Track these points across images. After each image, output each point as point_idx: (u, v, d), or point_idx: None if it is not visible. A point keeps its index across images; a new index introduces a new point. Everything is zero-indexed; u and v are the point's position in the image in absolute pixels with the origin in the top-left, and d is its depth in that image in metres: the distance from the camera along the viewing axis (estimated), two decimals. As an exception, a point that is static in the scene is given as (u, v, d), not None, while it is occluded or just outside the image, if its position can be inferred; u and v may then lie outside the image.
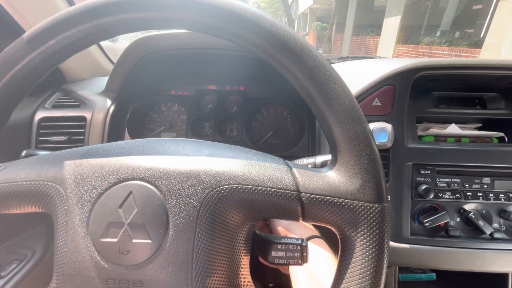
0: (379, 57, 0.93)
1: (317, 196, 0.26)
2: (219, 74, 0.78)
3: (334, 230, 0.27)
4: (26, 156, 0.44)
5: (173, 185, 0.27)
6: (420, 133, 0.63)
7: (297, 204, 0.26)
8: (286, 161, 0.31)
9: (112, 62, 0.97)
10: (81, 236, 0.26)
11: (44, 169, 0.29)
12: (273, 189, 0.26)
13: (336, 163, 0.27)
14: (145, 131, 0.82)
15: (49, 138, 0.66)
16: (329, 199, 0.26)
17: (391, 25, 6.83)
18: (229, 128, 0.80)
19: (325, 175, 0.27)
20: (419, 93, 0.62)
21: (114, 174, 0.28)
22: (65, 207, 0.27)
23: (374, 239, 0.25)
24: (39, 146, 0.66)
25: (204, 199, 0.26)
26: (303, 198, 0.26)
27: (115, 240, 0.25)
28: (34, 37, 0.27)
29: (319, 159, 0.44)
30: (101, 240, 0.25)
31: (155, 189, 0.27)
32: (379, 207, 0.26)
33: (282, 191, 0.26)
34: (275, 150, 0.78)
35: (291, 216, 0.27)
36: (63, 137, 0.66)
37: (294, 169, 0.28)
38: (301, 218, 0.27)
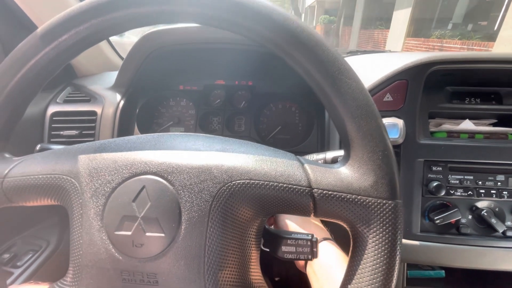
0: (390, 51, 0.91)
1: (330, 192, 0.26)
2: (227, 68, 0.78)
3: (345, 226, 0.27)
4: (41, 150, 0.45)
5: (185, 180, 0.27)
6: (432, 129, 0.62)
7: (309, 200, 0.26)
8: (298, 156, 0.31)
9: (121, 57, 0.97)
10: (96, 228, 0.27)
11: (60, 163, 0.30)
12: (285, 185, 0.26)
13: (349, 159, 0.27)
14: (154, 126, 0.82)
15: (61, 133, 0.67)
16: (342, 195, 0.26)
17: (401, 17, 6.66)
18: (237, 123, 0.80)
19: (338, 171, 0.27)
20: (432, 88, 0.61)
21: (127, 168, 0.28)
22: (80, 201, 0.28)
23: (386, 235, 0.25)
24: (51, 140, 0.67)
25: (216, 194, 0.26)
26: (315, 194, 0.26)
27: (129, 233, 0.26)
28: (48, 32, 0.27)
29: (330, 155, 0.44)
30: (115, 233, 0.26)
31: (167, 184, 0.27)
32: (393, 204, 0.25)
33: (294, 186, 0.26)
34: (283, 145, 0.78)
35: (302, 211, 0.27)
36: (74, 131, 0.67)
37: (306, 165, 0.28)
38: (312, 213, 0.27)
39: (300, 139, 0.77)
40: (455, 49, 5.10)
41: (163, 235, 0.26)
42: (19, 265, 0.62)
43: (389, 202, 0.25)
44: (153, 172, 0.27)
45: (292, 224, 0.43)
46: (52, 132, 0.67)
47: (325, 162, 0.43)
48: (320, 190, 0.26)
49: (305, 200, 0.26)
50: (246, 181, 0.26)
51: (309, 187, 0.26)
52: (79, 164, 0.29)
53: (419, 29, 6.58)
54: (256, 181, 0.26)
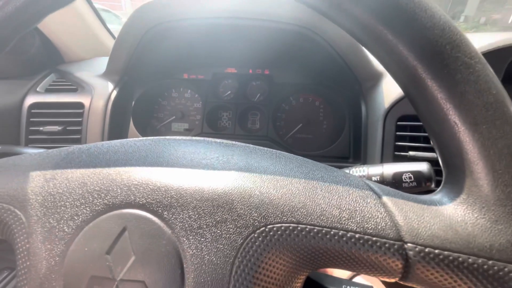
0: None
1: (436, 251, 0.16)
2: (240, 54, 0.68)
3: None
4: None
5: (192, 220, 0.18)
6: None
7: (398, 260, 0.17)
8: (366, 180, 0.20)
9: (117, 40, 0.88)
10: None
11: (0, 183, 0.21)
12: (357, 236, 0.17)
13: (462, 192, 0.17)
14: (153, 121, 0.74)
15: (41, 128, 0.59)
16: (458, 257, 0.16)
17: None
18: (251, 120, 0.71)
19: (443, 211, 0.17)
20: (504, 82, 0.48)
21: (100, 197, 0.19)
22: (27, 245, 0.19)
23: None
24: (29, 137, 0.59)
25: (241, 245, 0.17)
26: (410, 253, 0.16)
27: None
28: None
29: (390, 169, 0.32)
30: None
31: (163, 225, 0.18)
32: None
33: (374, 239, 0.17)
34: (306, 147, 0.68)
35: (383, 273, 0.18)
36: (57, 127, 0.58)
37: (385, 198, 0.18)
38: (398, 278, 0.18)
39: (325, 140, 0.67)
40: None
41: None
42: (-9, 288, 0.53)
43: None
44: (140, 204, 0.19)
45: None
46: (30, 128, 0.59)
47: (382, 181, 0.31)
48: (418, 247, 0.16)
49: (391, 259, 0.17)
50: (292, 225, 0.17)
51: (399, 240, 0.16)
52: (28, 186, 0.21)
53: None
54: (309, 227, 0.17)
